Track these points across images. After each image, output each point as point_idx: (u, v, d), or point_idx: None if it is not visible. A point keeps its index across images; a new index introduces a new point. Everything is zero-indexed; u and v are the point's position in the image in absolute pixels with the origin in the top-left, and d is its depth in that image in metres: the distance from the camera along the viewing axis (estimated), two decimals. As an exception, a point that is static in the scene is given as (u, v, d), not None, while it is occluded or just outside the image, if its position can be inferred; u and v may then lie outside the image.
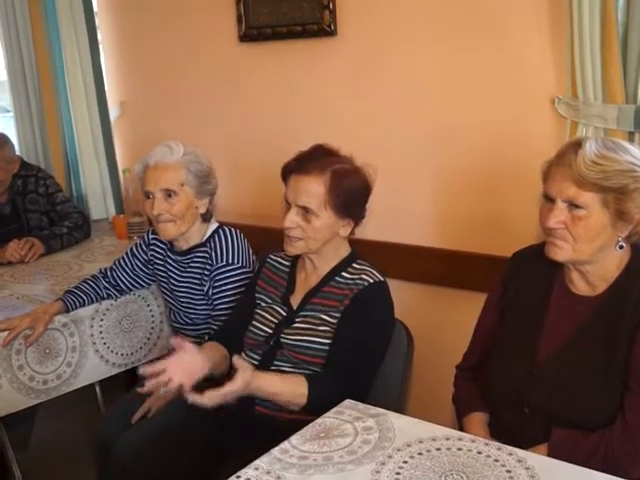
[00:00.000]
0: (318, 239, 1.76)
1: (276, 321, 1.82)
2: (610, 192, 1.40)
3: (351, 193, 1.75)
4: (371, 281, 1.76)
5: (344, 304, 1.75)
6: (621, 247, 1.47)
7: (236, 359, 1.60)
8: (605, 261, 1.49)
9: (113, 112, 3.09)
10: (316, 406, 1.60)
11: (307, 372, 1.73)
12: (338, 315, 1.75)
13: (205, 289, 2.12)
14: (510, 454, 1.31)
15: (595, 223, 1.42)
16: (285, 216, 1.75)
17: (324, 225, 1.74)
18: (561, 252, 1.47)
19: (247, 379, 1.56)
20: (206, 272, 2.12)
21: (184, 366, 1.58)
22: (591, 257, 1.47)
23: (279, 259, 1.93)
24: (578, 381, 1.46)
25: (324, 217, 1.73)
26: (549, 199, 1.47)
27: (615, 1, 1.71)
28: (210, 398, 1.52)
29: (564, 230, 1.45)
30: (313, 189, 1.72)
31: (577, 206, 1.42)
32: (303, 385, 1.66)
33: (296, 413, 1.70)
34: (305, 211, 1.73)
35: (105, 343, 2.29)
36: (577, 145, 1.44)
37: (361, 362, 1.72)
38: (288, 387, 1.66)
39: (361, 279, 1.77)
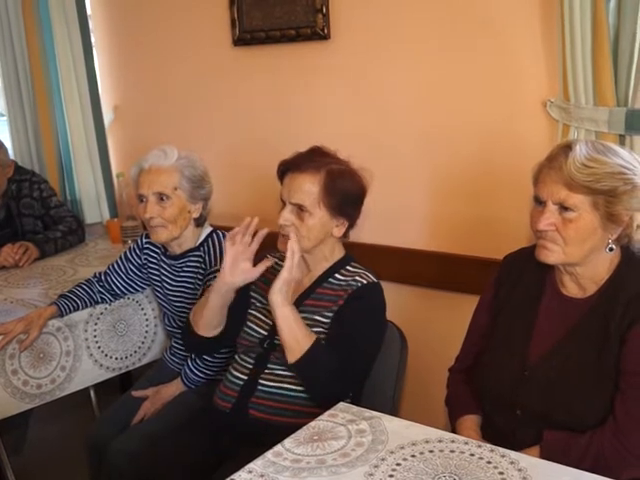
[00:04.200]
0: (311, 238, 1.76)
1: (270, 323, 1.81)
2: (600, 194, 1.41)
3: (345, 193, 1.76)
4: (365, 282, 1.77)
5: (337, 304, 1.76)
6: (611, 249, 1.48)
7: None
8: (595, 263, 1.49)
9: (107, 116, 3.09)
10: (306, 367, 1.66)
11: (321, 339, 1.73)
12: (331, 315, 1.76)
13: (199, 293, 2.12)
14: (503, 456, 1.32)
15: (585, 225, 1.43)
16: (280, 214, 1.76)
17: (318, 224, 1.75)
18: (552, 254, 1.48)
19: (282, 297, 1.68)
20: (200, 276, 2.12)
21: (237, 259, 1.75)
22: (581, 259, 1.48)
23: (276, 260, 1.93)
24: (569, 383, 1.47)
25: (318, 216, 1.74)
26: (540, 202, 1.48)
27: (606, 4, 1.71)
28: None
29: (555, 232, 1.45)
30: (307, 187, 1.73)
31: (567, 208, 1.43)
32: (306, 346, 1.67)
33: (290, 416, 1.71)
34: (299, 209, 1.74)
35: (99, 347, 2.29)
36: (567, 148, 1.45)
37: (352, 360, 1.71)
38: (296, 337, 1.68)
39: (355, 280, 1.77)
